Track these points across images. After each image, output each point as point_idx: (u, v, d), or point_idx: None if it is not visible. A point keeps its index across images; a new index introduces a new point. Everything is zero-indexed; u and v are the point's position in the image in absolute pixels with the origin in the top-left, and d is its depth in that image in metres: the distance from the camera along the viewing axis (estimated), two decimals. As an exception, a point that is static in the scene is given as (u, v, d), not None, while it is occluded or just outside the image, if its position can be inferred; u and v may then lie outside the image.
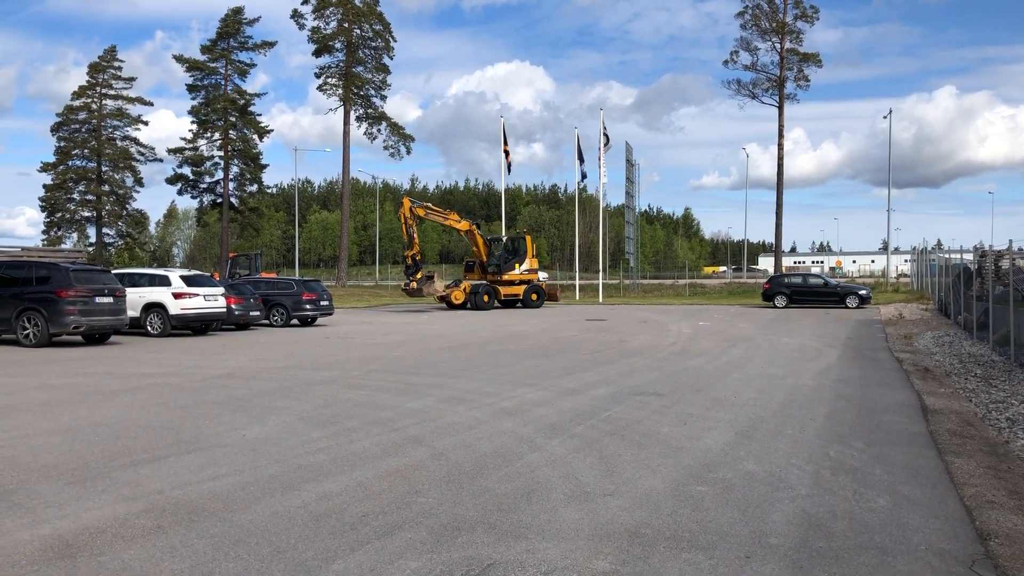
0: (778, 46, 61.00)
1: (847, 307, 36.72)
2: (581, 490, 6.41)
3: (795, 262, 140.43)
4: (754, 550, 5.05)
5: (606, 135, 48.54)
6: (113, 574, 4.61)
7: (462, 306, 37.21)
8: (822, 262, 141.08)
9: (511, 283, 38.77)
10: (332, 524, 5.52)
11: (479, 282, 38.10)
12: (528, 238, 40.64)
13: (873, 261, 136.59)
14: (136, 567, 4.72)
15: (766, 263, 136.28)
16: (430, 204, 38.64)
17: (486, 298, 37.07)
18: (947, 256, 30.98)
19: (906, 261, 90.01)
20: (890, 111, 58.45)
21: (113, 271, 22.53)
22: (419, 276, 35.88)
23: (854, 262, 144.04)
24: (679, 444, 8.11)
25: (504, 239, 40.54)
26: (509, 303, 38.72)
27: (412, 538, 5.24)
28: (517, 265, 38.87)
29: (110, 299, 19.24)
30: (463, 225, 38.86)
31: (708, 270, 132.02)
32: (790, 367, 14.96)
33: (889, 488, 6.51)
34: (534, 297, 39.28)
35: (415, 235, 36.06)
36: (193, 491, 6.30)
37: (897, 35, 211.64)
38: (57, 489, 6.35)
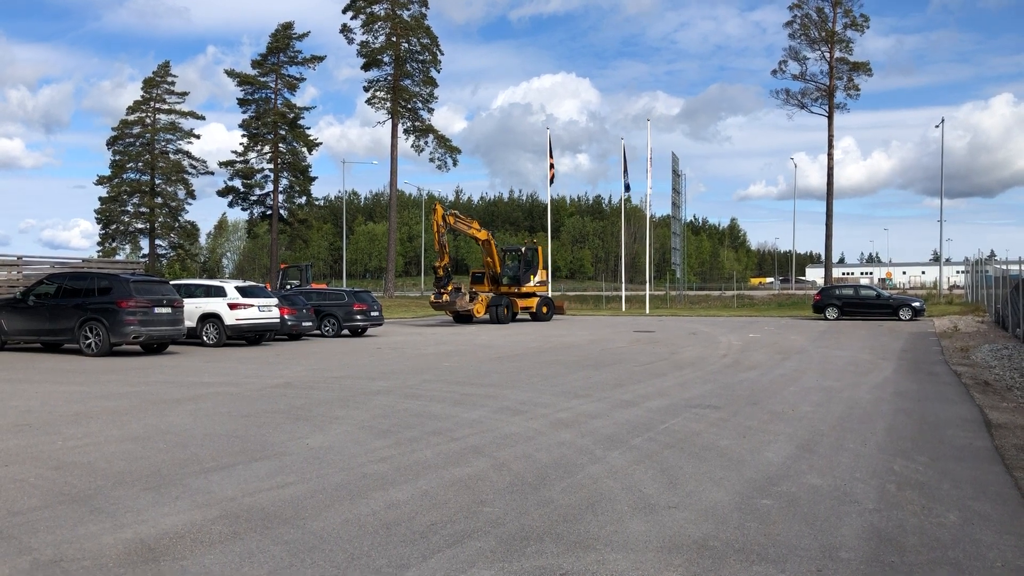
0: (827, 55, 60.41)
1: (900, 319, 36.13)
2: (645, 502, 6.43)
3: (844, 273, 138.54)
4: (825, 564, 5.04)
5: (651, 150, 48.42)
6: (196, 578, 4.75)
7: (467, 319, 35.93)
8: (871, 273, 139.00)
9: (525, 295, 37.85)
10: (402, 532, 5.62)
11: (499, 295, 36.82)
12: (540, 249, 39.70)
13: (924, 272, 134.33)
14: (217, 571, 4.85)
15: (814, 274, 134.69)
16: (457, 212, 37.77)
17: (505, 311, 36.04)
18: (1004, 267, 30.36)
19: (958, 272, 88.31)
20: (942, 120, 57.56)
21: (170, 282, 23.01)
22: (450, 288, 34.60)
23: (904, 273, 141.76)
24: (740, 457, 8.09)
25: (523, 249, 39.22)
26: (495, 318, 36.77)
27: (482, 547, 5.32)
28: (532, 277, 38.01)
29: (168, 310, 19.65)
30: (482, 234, 37.48)
31: (755, 281, 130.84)
32: (845, 380, 14.80)
33: (958, 503, 6.44)
34: (544, 310, 38.36)
35: (447, 244, 34.98)
36: (264, 498, 6.45)
37: (951, 42, 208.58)
38: (134, 495, 6.53)
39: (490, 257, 37.28)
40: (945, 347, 22.03)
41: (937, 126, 58.28)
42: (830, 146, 61.94)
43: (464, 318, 35.92)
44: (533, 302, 38.00)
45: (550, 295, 51.48)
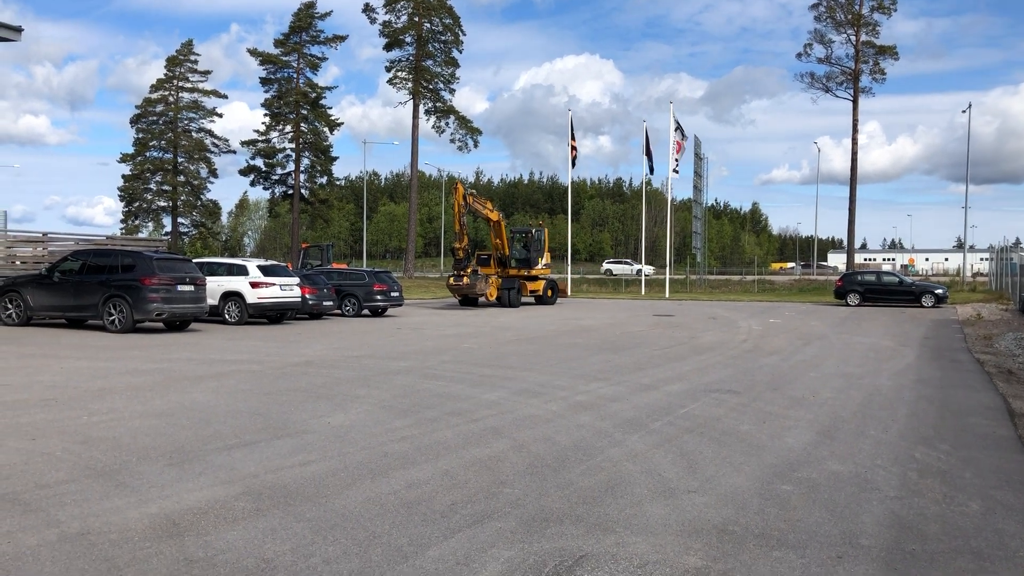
0: (853, 39, 59.66)
1: (922, 306, 35.85)
2: (665, 486, 6.44)
3: (866, 259, 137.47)
4: (845, 550, 5.04)
5: (680, 130, 48.15)
6: (220, 553, 4.81)
7: (473, 302, 34.84)
8: (894, 259, 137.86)
9: (533, 278, 37.09)
10: (423, 511, 5.66)
11: (509, 277, 35.82)
12: (546, 231, 38.97)
13: (947, 259, 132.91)
14: (240, 547, 4.91)
15: (835, 260, 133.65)
16: (475, 191, 36.52)
17: (517, 294, 35.20)
18: (1030, 255, 30.05)
19: (982, 259, 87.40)
20: (969, 105, 56.80)
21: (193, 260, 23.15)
22: (469, 270, 33.46)
23: (927, 260, 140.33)
24: (760, 442, 8.08)
25: (533, 231, 38.52)
26: (495, 301, 35.19)
27: (502, 527, 5.35)
28: (540, 260, 37.41)
29: (191, 287, 19.80)
30: (494, 215, 36.44)
31: (776, 266, 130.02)
32: (867, 367, 14.72)
33: (980, 492, 6.41)
34: (549, 293, 37.70)
35: (467, 225, 33.93)
36: (286, 475, 6.51)
37: (982, 25, 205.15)
38: (158, 470, 6.61)
39: (499, 239, 36.55)
40: (968, 335, 21.85)
41: (964, 111, 57.53)
42: (854, 130, 61.31)
43: (471, 300, 34.98)
44: (540, 285, 37.32)
45: (569, 278, 51.54)
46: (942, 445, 8.13)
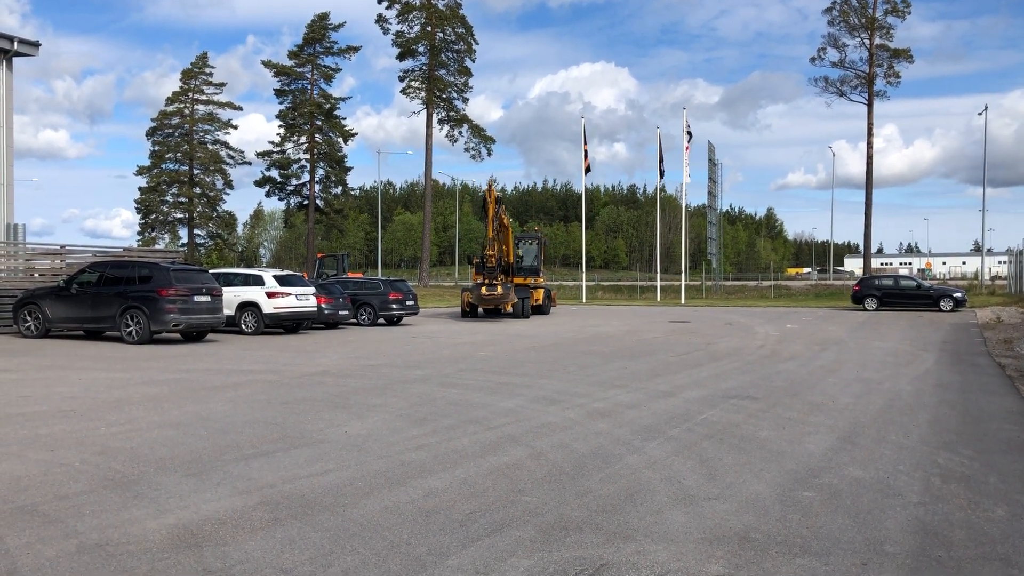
0: (867, 42, 59.47)
1: (941, 310, 35.60)
2: (685, 493, 6.38)
3: (882, 263, 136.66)
4: (870, 557, 4.96)
5: (689, 132, 48.11)
6: (238, 563, 4.78)
7: (473, 312, 33.10)
8: (910, 263, 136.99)
9: (537, 287, 35.86)
10: (441, 520, 5.62)
11: (518, 287, 33.98)
12: (544, 239, 38.25)
13: (964, 263, 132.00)
14: (259, 557, 4.88)
15: (852, 264, 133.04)
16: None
17: (527, 304, 33.76)
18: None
19: (1000, 263, 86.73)
20: (985, 107, 56.47)
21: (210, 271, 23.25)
22: (501, 279, 31.53)
23: (944, 264, 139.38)
24: (780, 449, 8.00)
25: (540, 238, 37.64)
26: (495, 311, 32.73)
27: (521, 536, 5.30)
28: (542, 268, 36.77)
29: (208, 298, 19.87)
30: (506, 220, 34.98)
31: (792, 271, 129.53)
32: (886, 372, 14.59)
33: (1006, 497, 6.31)
34: (544, 303, 36.44)
35: (499, 231, 32.26)
36: (304, 485, 6.49)
37: (1000, 27, 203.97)
38: (175, 481, 6.60)
39: (506, 246, 34.93)
40: (988, 338, 21.64)
41: (980, 113, 57.16)
42: (869, 134, 61.05)
43: (474, 310, 33.24)
44: (540, 294, 35.97)
45: (584, 285, 51.48)
46: (965, 450, 8.03)
